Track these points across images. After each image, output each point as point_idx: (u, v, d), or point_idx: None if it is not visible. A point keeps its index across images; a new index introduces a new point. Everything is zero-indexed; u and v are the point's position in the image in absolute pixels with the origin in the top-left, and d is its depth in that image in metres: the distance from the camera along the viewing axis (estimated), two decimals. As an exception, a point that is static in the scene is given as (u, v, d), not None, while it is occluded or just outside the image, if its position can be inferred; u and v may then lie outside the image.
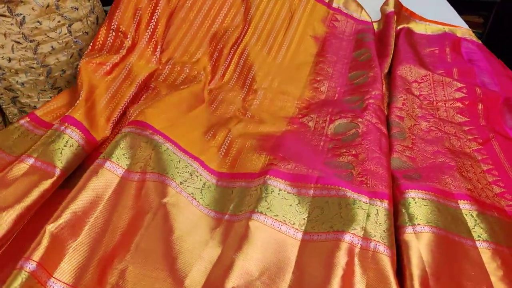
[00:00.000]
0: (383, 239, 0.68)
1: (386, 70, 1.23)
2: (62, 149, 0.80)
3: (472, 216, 0.78)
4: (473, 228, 0.75)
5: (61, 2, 1.06)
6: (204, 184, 0.82)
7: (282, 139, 0.94)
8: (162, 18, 1.17)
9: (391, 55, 1.29)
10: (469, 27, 1.41)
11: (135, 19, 1.13)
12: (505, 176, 0.90)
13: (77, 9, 1.11)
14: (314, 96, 1.13)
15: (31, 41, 1.02)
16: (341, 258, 0.65)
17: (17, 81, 1.06)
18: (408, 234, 0.71)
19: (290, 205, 0.76)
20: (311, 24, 1.42)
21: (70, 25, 1.09)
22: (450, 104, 1.12)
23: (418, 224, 0.72)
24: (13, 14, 0.98)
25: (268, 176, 0.80)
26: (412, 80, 1.18)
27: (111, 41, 1.12)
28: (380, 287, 0.63)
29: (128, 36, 1.12)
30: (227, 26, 1.27)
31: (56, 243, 0.66)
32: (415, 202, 0.77)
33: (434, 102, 1.12)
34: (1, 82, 1.06)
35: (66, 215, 0.69)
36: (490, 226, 0.77)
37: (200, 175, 0.83)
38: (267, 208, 0.74)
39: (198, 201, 0.77)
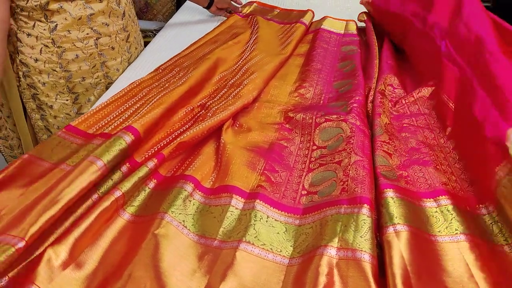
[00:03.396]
0: (360, 245, 0.65)
1: (376, 69, 1.19)
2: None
3: (448, 211, 0.75)
4: (450, 223, 0.73)
5: (93, 16, 1.14)
6: (197, 208, 0.79)
7: (270, 153, 0.92)
8: None
9: (377, 57, 1.26)
10: None
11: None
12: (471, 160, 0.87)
13: (108, 25, 1.18)
14: (299, 103, 1.11)
15: (58, 47, 1.12)
16: (322, 271, 0.62)
17: (39, 80, 1.15)
18: (389, 234, 0.68)
19: (278, 233, 0.74)
20: (298, 47, 1.43)
21: (97, 39, 1.17)
22: (418, 94, 1.10)
23: (398, 224, 0.69)
24: (48, 20, 1.09)
25: (257, 200, 0.78)
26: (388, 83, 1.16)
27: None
28: None
29: None
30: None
31: (53, 265, 0.65)
32: (394, 202, 0.74)
33: (403, 100, 1.10)
34: (25, 79, 1.15)
35: (69, 240, 0.68)
36: (465, 219, 0.74)
37: (194, 199, 0.80)
38: (255, 237, 0.71)
39: (188, 229, 0.74)
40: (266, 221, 0.76)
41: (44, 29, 1.10)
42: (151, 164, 0.84)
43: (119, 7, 1.22)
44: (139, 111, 0.95)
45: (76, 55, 1.15)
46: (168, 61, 1.25)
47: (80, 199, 0.76)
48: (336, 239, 0.67)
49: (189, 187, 0.81)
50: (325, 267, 0.63)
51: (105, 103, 1.01)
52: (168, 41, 1.49)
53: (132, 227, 0.76)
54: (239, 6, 1.69)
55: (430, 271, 0.64)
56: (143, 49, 1.43)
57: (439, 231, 0.72)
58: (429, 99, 1.09)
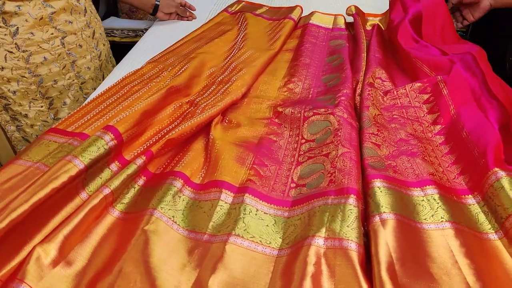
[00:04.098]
0: (347, 235, 0.66)
1: (364, 63, 1.21)
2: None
3: (435, 200, 0.77)
4: (436, 211, 0.74)
5: (55, 15, 1.09)
6: (187, 203, 0.80)
7: (259, 148, 0.93)
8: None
9: (365, 51, 1.28)
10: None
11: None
12: (464, 154, 0.89)
13: (71, 22, 1.14)
14: (288, 97, 1.13)
15: (23, 51, 1.06)
16: (310, 261, 0.64)
17: (8, 89, 1.09)
18: (376, 223, 0.69)
19: (267, 226, 0.75)
20: (287, 42, 1.44)
21: (63, 38, 1.13)
22: (411, 88, 1.11)
23: (384, 212, 0.71)
24: (7, 25, 1.03)
25: (247, 194, 0.79)
26: (376, 76, 1.17)
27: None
28: (348, 280, 0.61)
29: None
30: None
31: (42, 264, 0.65)
32: (381, 191, 0.75)
33: (395, 91, 1.11)
34: None
35: (58, 238, 0.68)
36: (451, 208, 0.75)
37: (183, 195, 0.81)
38: (244, 230, 0.72)
39: (178, 224, 0.75)
40: (256, 214, 0.77)
41: (5, 34, 1.05)
42: (139, 161, 0.85)
43: (79, 3, 1.19)
44: (119, 108, 0.96)
45: (44, 57, 1.11)
46: (152, 58, 1.25)
47: (68, 197, 0.77)
48: (324, 229, 0.68)
49: (178, 183, 0.82)
50: (313, 257, 0.65)
51: (86, 104, 1.02)
52: (157, 39, 1.50)
53: (121, 223, 0.77)
54: (191, 11, 1.67)
55: (415, 258, 0.65)
56: (109, 46, 1.44)
57: (425, 219, 0.74)
58: (421, 93, 1.10)
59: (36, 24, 1.07)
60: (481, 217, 0.77)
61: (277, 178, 0.86)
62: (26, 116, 1.15)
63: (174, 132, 0.92)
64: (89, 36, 1.23)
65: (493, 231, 0.74)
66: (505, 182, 0.76)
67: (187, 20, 1.64)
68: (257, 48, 1.31)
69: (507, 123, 0.93)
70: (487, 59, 1.14)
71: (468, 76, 1.07)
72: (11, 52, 1.06)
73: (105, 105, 1.02)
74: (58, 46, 1.13)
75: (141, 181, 0.86)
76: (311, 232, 0.69)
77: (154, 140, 0.94)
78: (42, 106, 1.16)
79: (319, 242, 0.67)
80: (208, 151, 0.92)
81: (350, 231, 0.67)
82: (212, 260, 0.68)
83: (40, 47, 1.09)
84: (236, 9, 1.69)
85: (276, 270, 0.68)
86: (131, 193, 0.83)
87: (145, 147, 0.92)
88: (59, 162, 0.77)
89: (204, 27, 1.50)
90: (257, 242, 0.72)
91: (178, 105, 1.04)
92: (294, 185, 0.84)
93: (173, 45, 1.35)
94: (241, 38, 1.37)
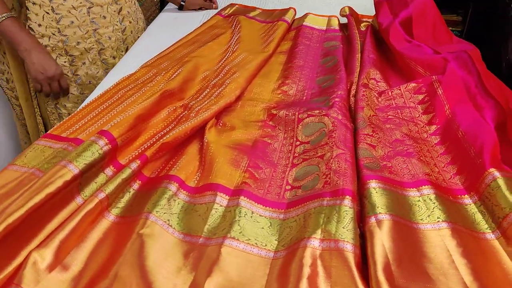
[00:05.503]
0: (342, 236, 0.66)
1: (358, 64, 1.21)
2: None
3: (431, 200, 0.77)
4: (432, 211, 0.74)
5: None
6: (182, 207, 0.80)
7: (254, 151, 0.93)
8: None
9: (359, 51, 1.28)
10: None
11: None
12: (460, 154, 0.89)
13: None
14: (282, 100, 1.13)
15: (56, 14, 1.31)
16: (306, 263, 0.63)
17: (42, 43, 1.31)
18: (371, 223, 0.69)
19: (262, 228, 0.75)
20: (280, 44, 1.45)
21: (90, 8, 1.35)
22: (405, 88, 1.12)
23: (380, 213, 0.71)
24: None
25: (242, 197, 0.79)
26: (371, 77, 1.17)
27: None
28: (344, 281, 0.61)
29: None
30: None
31: (39, 268, 0.65)
32: (376, 192, 0.75)
33: (390, 92, 1.11)
34: None
35: (54, 243, 0.68)
36: (448, 208, 0.75)
37: (178, 198, 0.81)
38: (239, 233, 0.72)
39: (174, 228, 0.75)
40: (251, 216, 0.77)
41: None
42: (134, 165, 0.85)
43: None
44: (113, 113, 0.96)
45: (71, 21, 1.33)
46: (146, 62, 1.25)
47: (64, 202, 0.77)
48: (319, 231, 0.68)
49: (173, 187, 0.82)
50: (309, 258, 0.65)
51: (80, 109, 1.02)
52: (152, 42, 1.50)
53: (117, 228, 0.76)
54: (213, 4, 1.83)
55: (411, 258, 0.65)
56: (144, 27, 1.64)
57: (421, 219, 0.74)
58: (416, 93, 1.10)
59: None
60: (478, 217, 0.77)
61: (272, 181, 0.86)
62: None
63: (168, 136, 0.92)
64: (114, 11, 1.42)
65: (490, 231, 0.74)
66: (501, 182, 0.77)
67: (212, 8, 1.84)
68: (250, 51, 1.31)
69: (504, 122, 0.93)
70: (483, 58, 1.14)
71: (463, 74, 1.07)
72: (47, 13, 1.30)
73: (100, 110, 1.02)
74: (84, 14, 1.34)
75: (136, 185, 0.85)
76: (307, 234, 0.69)
77: (149, 144, 0.94)
78: (65, 62, 1.38)
79: (314, 243, 0.66)
80: (202, 155, 0.92)
81: (346, 232, 0.67)
82: (208, 263, 0.68)
83: (70, 12, 1.32)
84: (230, 12, 1.69)
85: (272, 273, 0.68)
86: (126, 197, 0.82)
87: (140, 151, 0.92)
88: (54, 167, 0.77)
89: (198, 30, 1.51)
90: (252, 245, 0.72)
91: (172, 109, 1.04)
92: (289, 187, 0.84)
93: (167, 49, 1.35)
94: (235, 41, 1.38)
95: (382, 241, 0.66)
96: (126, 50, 1.51)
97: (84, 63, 1.41)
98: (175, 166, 0.89)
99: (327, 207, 0.73)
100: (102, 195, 0.78)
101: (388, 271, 0.62)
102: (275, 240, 0.74)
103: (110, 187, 0.80)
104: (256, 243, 0.72)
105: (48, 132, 0.96)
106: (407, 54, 1.20)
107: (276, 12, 1.67)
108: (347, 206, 0.71)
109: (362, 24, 1.55)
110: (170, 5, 1.86)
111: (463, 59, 1.10)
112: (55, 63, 1.33)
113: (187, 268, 0.69)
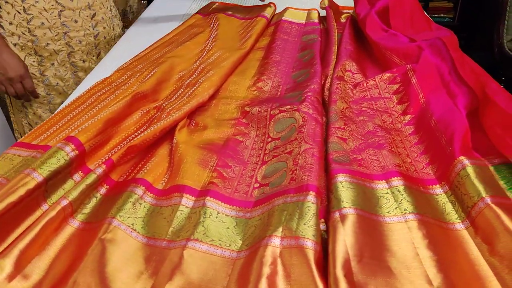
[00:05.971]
0: (303, 232, 0.65)
1: (334, 56, 1.20)
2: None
3: (399, 191, 0.75)
4: (400, 203, 0.73)
5: None
6: (148, 210, 0.78)
7: (224, 149, 0.91)
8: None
9: (336, 44, 1.27)
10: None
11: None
12: (432, 144, 0.88)
13: (72, 0, 1.38)
14: (257, 96, 1.11)
15: (27, 14, 1.33)
16: (266, 262, 0.62)
17: (11, 41, 1.34)
18: (335, 219, 0.68)
19: (227, 228, 0.73)
20: (259, 40, 1.44)
21: (61, 11, 1.36)
22: (380, 78, 1.10)
23: (344, 207, 0.69)
24: None
25: (208, 197, 0.77)
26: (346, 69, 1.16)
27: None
28: (303, 279, 0.60)
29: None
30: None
31: None
32: (343, 186, 0.74)
33: (365, 83, 1.09)
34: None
35: (13, 252, 0.67)
36: (416, 199, 0.74)
37: (144, 201, 0.79)
38: (203, 234, 0.70)
39: (138, 232, 0.73)
40: (216, 217, 0.75)
41: None
42: (99, 170, 0.83)
43: None
44: (84, 118, 0.94)
45: (42, 22, 1.35)
46: (121, 65, 1.24)
47: (29, 210, 0.76)
48: (280, 228, 0.67)
49: (139, 190, 0.81)
50: (269, 257, 0.63)
51: (53, 115, 1.01)
52: (131, 46, 1.48)
53: (81, 234, 0.75)
54: None
55: (373, 253, 0.64)
56: (122, 33, 1.62)
57: (388, 212, 0.72)
58: (391, 83, 1.09)
59: None
60: (448, 207, 0.75)
61: (241, 179, 0.85)
62: None
63: (136, 139, 0.91)
64: (87, 16, 1.43)
65: (459, 221, 0.72)
66: (470, 170, 0.75)
67: None
68: (227, 49, 1.30)
69: (477, 108, 0.91)
70: (475, 44, 1.12)
71: (438, 62, 1.05)
72: (19, 12, 1.32)
73: (72, 116, 1.01)
74: (55, 16, 1.36)
75: (103, 190, 0.84)
76: (268, 232, 0.67)
77: (120, 148, 0.92)
78: (33, 61, 1.39)
79: (275, 242, 0.65)
80: (171, 156, 0.91)
81: (306, 229, 0.66)
82: (170, 266, 0.67)
83: (41, 13, 1.34)
84: (209, 10, 1.68)
85: (233, 273, 0.66)
86: (93, 202, 0.81)
87: (110, 155, 0.90)
88: (18, 176, 0.76)
89: (176, 30, 1.49)
90: (216, 246, 0.70)
91: (145, 111, 1.03)
92: (258, 185, 0.83)
93: (143, 51, 1.34)
94: (212, 39, 1.36)
95: (344, 236, 0.65)
96: (98, 55, 1.53)
97: (52, 64, 1.43)
98: (143, 169, 0.88)
99: (290, 203, 0.72)
100: (65, 202, 0.76)
101: (348, 268, 0.61)
102: (240, 239, 0.72)
103: (73, 194, 0.78)
104: (220, 244, 0.71)
105: (19, 140, 0.95)
106: (383, 43, 1.18)
107: (255, 8, 1.65)
108: (310, 201, 0.70)
109: (342, 16, 1.53)
110: (152, 7, 1.84)
111: (437, 46, 1.08)
112: (18, 64, 1.33)
113: (148, 272, 0.68)
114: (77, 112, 1.02)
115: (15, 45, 1.36)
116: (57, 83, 1.45)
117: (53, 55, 1.41)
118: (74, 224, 0.77)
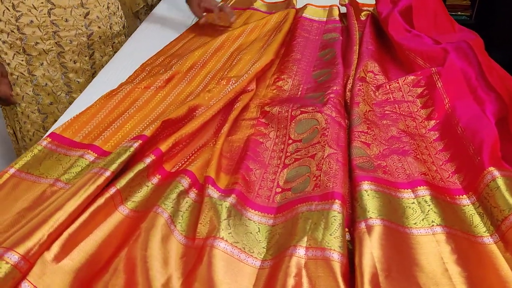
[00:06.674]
0: (329, 244, 0.63)
1: (355, 56, 1.17)
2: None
3: (426, 202, 0.73)
4: (427, 214, 0.71)
5: None
6: (189, 206, 0.77)
7: (245, 152, 0.90)
8: None
9: (357, 43, 1.24)
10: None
11: None
12: (459, 152, 0.85)
13: None
14: (277, 95, 1.09)
15: (16, 11, 1.26)
16: (290, 273, 0.61)
17: (0, 38, 1.29)
18: (361, 229, 0.66)
19: (251, 233, 0.72)
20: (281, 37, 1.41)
21: (51, 9, 1.28)
22: (404, 81, 1.07)
23: (370, 218, 0.67)
24: None
25: (233, 195, 0.77)
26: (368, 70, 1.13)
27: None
28: None
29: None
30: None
31: (46, 260, 0.64)
32: (368, 195, 0.72)
33: (387, 86, 1.06)
34: None
35: (63, 236, 0.67)
36: (443, 210, 0.72)
37: (188, 196, 0.78)
38: (228, 233, 0.70)
39: (175, 226, 0.73)
40: (240, 219, 0.74)
41: None
42: (148, 160, 0.82)
43: None
44: (136, 118, 0.97)
45: (31, 20, 1.28)
46: (152, 61, 1.24)
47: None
48: (305, 238, 0.65)
49: (185, 182, 0.81)
50: (294, 268, 0.62)
51: (88, 108, 1.00)
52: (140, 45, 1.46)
53: (128, 221, 0.75)
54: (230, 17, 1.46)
55: (401, 267, 0.62)
56: (124, 32, 1.53)
57: (415, 223, 0.70)
58: (415, 86, 1.06)
59: None
60: (476, 219, 0.73)
61: (262, 182, 0.83)
62: (8, 64, 1.33)
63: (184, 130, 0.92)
64: (80, 15, 1.34)
65: (488, 234, 0.70)
66: (501, 182, 0.72)
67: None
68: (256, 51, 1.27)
69: (505, 116, 0.89)
70: (492, 42, 1.09)
71: (464, 66, 1.02)
72: (8, 9, 1.26)
73: (107, 112, 1.00)
74: (44, 14, 1.29)
75: (155, 180, 0.84)
76: (293, 242, 0.66)
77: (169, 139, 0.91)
78: (22, 60, 1.33)
79: (300, 252, 0.63)
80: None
81: (333, 240, 0.64)
82: (195, 266, 0.66)
83: (30, 11, 1.27)
84: (230, 3, 1.65)
85: (257, 284, 0.65)
86: (144, 191, 0.81)
87: (159, 145, 0.89)
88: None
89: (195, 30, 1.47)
90: (240, 249, 0.69)
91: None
92: (280, 189, 0.81)
93: (172, 45, 1.36)
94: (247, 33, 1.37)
95: (371, 249, 0.63)
96: (92, 55, 1.44)
97: (42, 64, 1.35)
98: (194, 162, 0.88)
99: (315, 212, 0.70)
100: (113, 190, 0.76)
101: (375, 283, 0.59)
102: (263, 247, 0.71)
103: (122, 182, 0.77)
104: (243, 247, 0.69)
105: (55, 131, 0.93)
106: (406, 44, 1.15)
107: (279, 3, 1.63)
108: (336, 211, 0.68)
109: (362, 14, 1.49)
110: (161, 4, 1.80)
111: (464, 50, 1.05)
112: None
113: (177, 272, 0.67)
114: (111, 109, 1.01)
115: (4, 42, 1.30)
116: (46, 84, 1.37)
117: (42, 55, 1.34)
118: (124, 212, 0.76)
